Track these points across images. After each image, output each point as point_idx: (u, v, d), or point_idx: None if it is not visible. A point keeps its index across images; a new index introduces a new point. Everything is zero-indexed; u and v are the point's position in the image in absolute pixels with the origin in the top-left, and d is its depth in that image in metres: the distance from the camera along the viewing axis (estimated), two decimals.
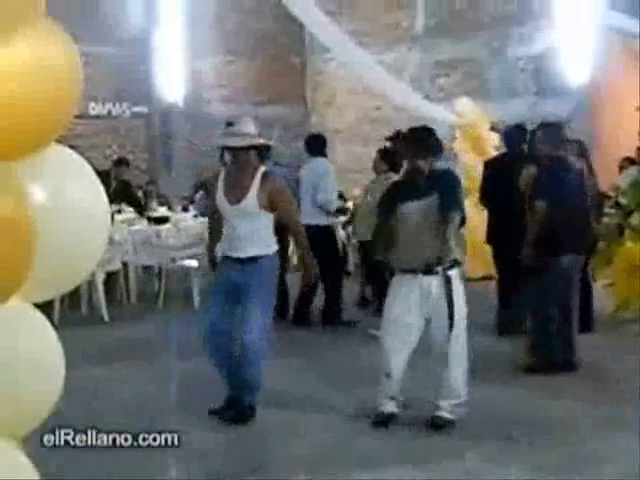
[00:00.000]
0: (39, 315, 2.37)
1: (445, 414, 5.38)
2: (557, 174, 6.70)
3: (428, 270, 5.29)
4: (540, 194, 6.58)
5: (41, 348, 2.34)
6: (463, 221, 5.51)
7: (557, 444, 5.13)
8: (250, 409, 5.60)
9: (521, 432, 5.31)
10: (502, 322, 7.92)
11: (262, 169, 5.52)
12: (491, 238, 8.30)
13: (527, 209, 6.71)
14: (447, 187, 5.36)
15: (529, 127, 8.11)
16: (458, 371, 5.38)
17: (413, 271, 5.34)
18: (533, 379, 6.45)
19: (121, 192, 10.78)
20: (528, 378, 6.48)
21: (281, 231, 6.02)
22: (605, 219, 8.65)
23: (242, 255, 5.49)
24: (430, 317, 5.35)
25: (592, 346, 7.42)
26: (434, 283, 5.29)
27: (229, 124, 5.60)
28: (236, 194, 5.47)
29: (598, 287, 8.42)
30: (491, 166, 8.55)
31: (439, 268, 5.28)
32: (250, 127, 5.57)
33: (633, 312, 8.11)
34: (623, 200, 8.58)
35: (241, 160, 5.50)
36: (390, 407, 5.48)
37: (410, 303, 5.34)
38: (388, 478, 4.70)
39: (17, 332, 2.27)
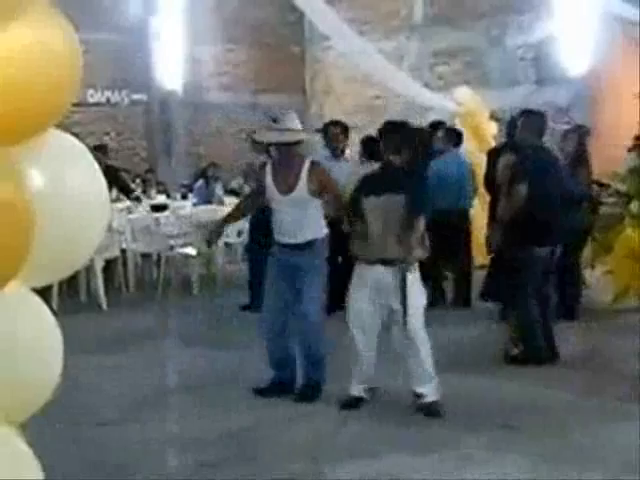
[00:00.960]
0: (38, 300, 2.36)
1: (428, 399, 5.43)
2: (537, 162, 6.65)
3: (385, 262, 5.39)
4: (520, 180, 6.53)
5: (39, 333, 2.34)
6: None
7: (555, 433, 5.13)
8: (317, 386, 5.76)
9: (518, 420, 5.32)
10: (486, 290, 7.85)
11: (309, 159, 5.78)
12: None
13: (501, 195, 6.72)
14: (415, 190, 5.47)
15: None
16: (420, 358, 5.40)
17: (371, 262, 5.45)
18: (530, 369, 6.44)
19: (107, 177, 10.67)
20: (525, 367, 6.46)
21: None
22: (605, 208, 8.63)
23: (293, 241, 5.72)
24: (389, 307, 5.45)
25: (591, 337, 7.44)
26: (390, 275, 5.37)
27: (274, 120, 5.75)
28: (286, 185, 5.70)
29: (597, 275, 8.42)
30: (493, 156, 8.54)
31: (397, 262, 5.37)
32: (295, 122, 5.78)
33: (633, 299, 8.10)
34: (621, 187, 8.54)
35: (290, 154, 5.75)
36: (358, 391, 5.58)
37: (366, 292, 5.48)
38: (382, 465, 4.70)
39: (15, 317, 2.26)
